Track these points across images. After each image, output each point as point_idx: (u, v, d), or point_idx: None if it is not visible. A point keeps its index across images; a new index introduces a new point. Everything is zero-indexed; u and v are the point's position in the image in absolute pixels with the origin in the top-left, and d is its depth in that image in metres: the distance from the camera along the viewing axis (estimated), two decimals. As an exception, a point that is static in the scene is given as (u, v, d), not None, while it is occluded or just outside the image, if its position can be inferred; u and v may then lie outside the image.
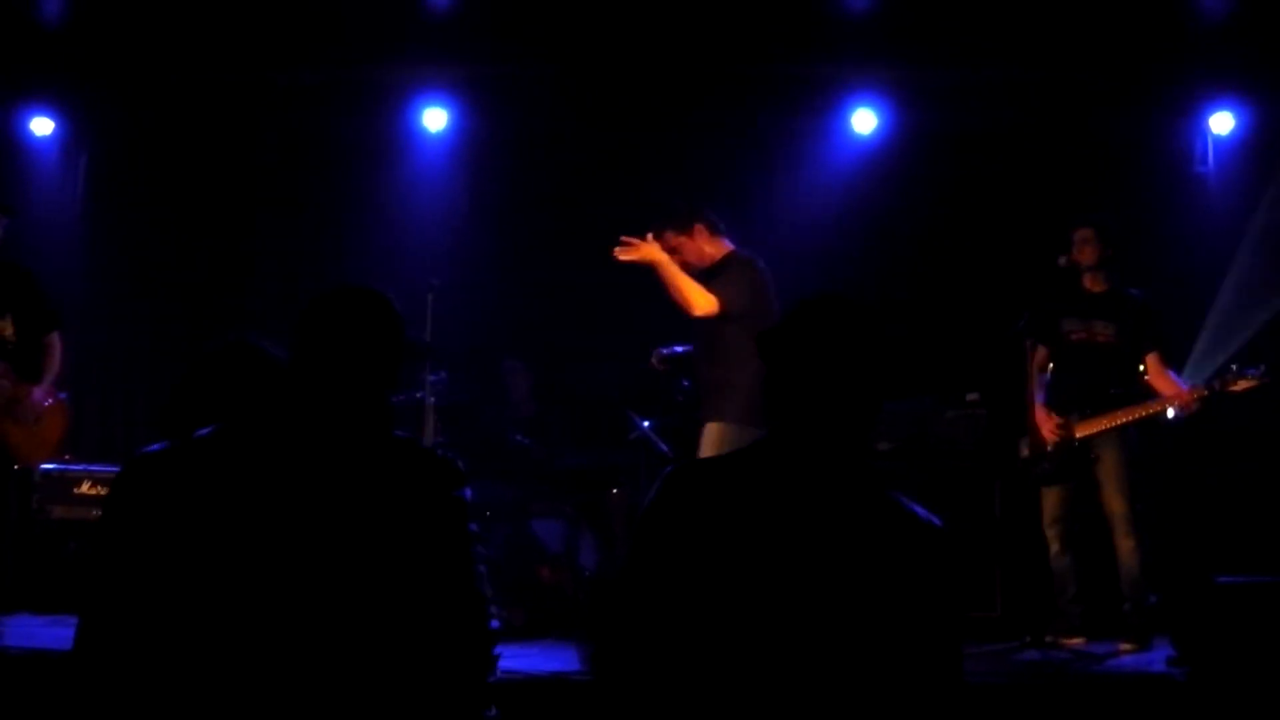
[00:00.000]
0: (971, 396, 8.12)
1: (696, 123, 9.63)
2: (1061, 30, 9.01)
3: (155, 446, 3.01)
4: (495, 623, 3.04)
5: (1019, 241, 8.84)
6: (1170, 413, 7.18)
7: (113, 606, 2.87)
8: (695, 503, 2.68)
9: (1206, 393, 7.07)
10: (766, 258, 6.81)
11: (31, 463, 7.56)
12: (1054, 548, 7.35)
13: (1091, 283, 7.41)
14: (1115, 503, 7.18)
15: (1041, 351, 7.50)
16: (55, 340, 7.48)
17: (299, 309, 3.04)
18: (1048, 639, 7.17)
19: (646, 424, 8.18)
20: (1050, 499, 7.37)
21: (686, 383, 7.51)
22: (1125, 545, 7.15)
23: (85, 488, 8.11)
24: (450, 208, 9.88)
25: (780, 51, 9.23)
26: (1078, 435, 7.25)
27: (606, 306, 9.02)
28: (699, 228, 6.82)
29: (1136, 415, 7.19)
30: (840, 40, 9.21)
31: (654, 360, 7.24)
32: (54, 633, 6.42)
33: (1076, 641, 7.19)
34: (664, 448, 8.07)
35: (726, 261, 6.80)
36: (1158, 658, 6.68)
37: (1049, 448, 7.31)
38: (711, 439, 6.64)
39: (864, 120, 9.67)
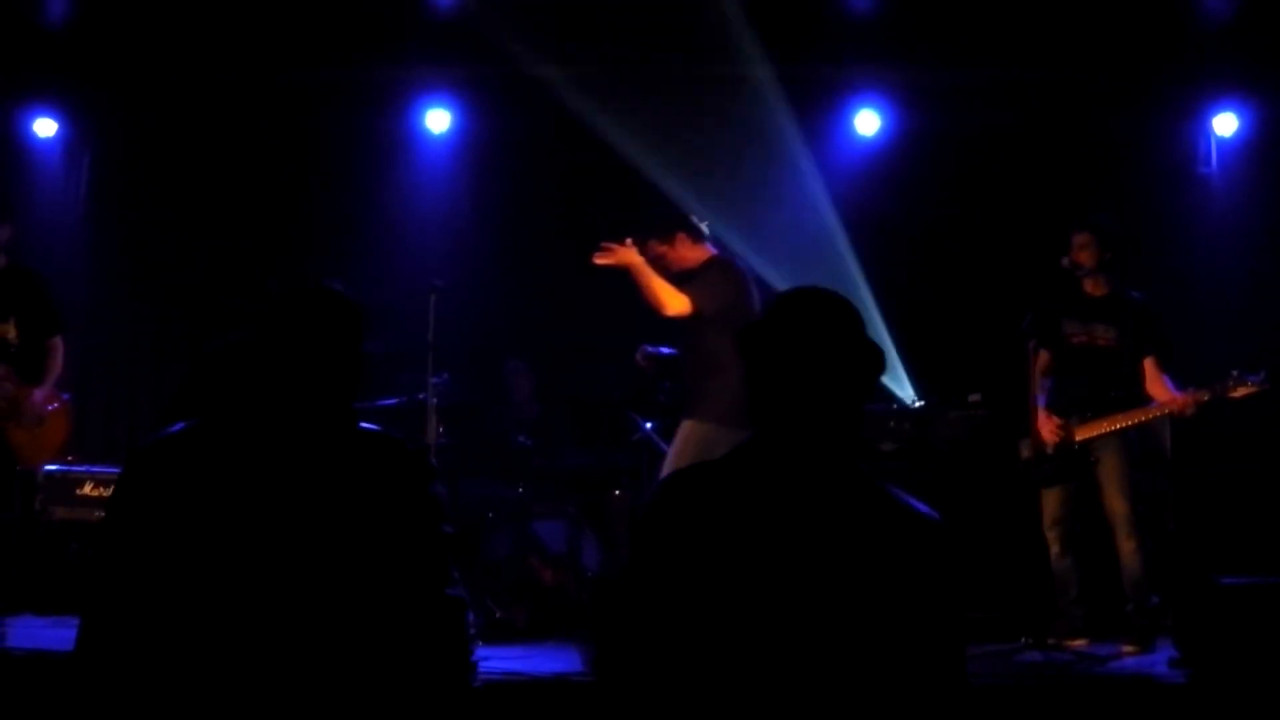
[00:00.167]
0: (973, 398, 8.11)
1: (699, 124, 9.62)
2: (1065, 31, 9.00)
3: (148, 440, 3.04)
4: (472, 630, 3.04)
5: (1022, 243, 8.83)
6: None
7: (110, 605, 2.88)
8: (693, 508, 2.66)
9: (1204, 398, 7.08)
10: (770, 259, 6.84)
11: (34, 464, 7.58)
12: (1055, 549, 7.35)
13: (1092, 286, 7.42)
14: (1116, 504, 7.18)
15: (1044, 354, 7.50)
16: (58, 344, 7.53)
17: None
18: (1050, 640, 7.17)
19: (649, 425, 8.18)
20: (1051, 501, 7.37)
21: (668, 383, 7.54)
22: (1127, 547, 7.15)
23: (88, 489, 8.11)
24: (453, 209, 9.88)
25: (783, 53, 9.22)
26: (1078, 438, 7.25)
27: (609, 308, 9.01)
28: (681, 237, 7.00)
29: (1136, 419, 7.21)
30: (843, 41, 9.21)
31: (639, 357, 7.30)
32: (56, 634, 6.43)
33: (1079, 643, 7.19)
34: (666, 449, 8.06)
35: (705, 265, 6.95)
36: (1160, 659, 6.68)
37: (1049, 450, 7.31)
38: (686, 436, 6.80)
39: (867, 121, 9.67)
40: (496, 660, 6.59)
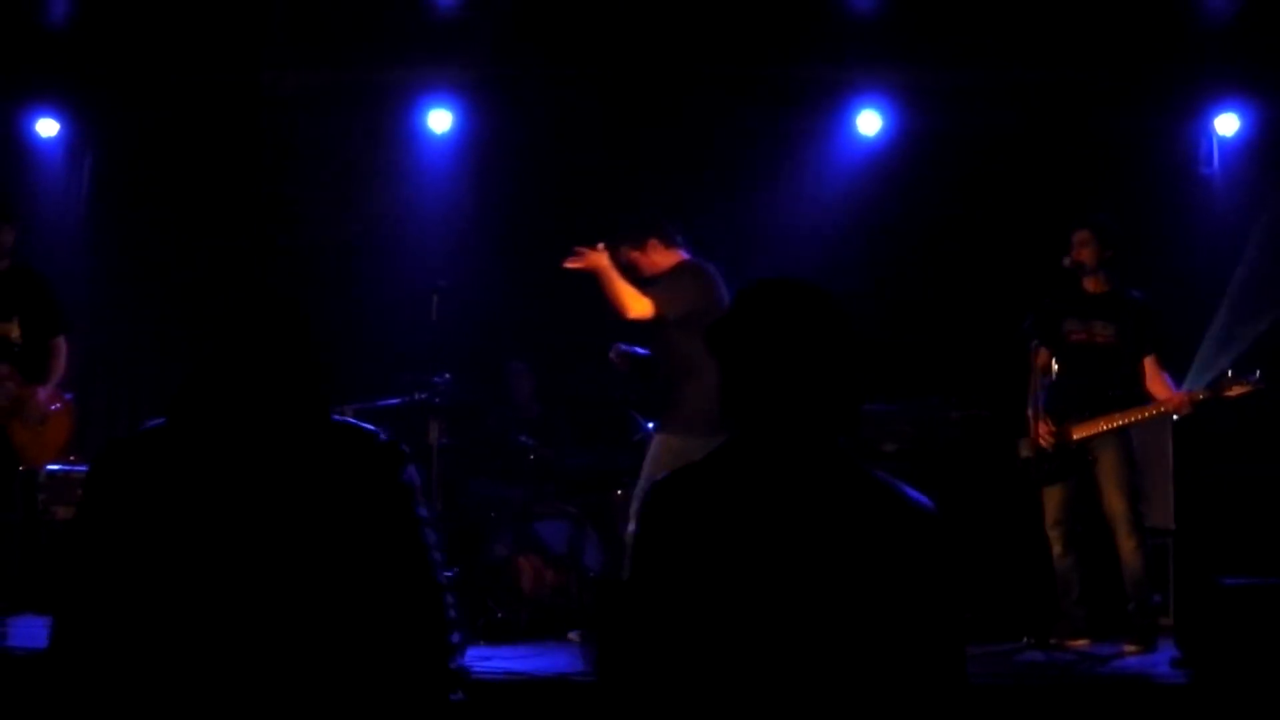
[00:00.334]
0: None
1: (701, 125, 9.63)
2: (1066, 31, 9.00)
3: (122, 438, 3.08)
4: (453, 612, 3.06)
5: (1024, 243, 8.82)
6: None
7: (80, 604, 2.90)
8: (683, 513, 2.64)
9: (1200, 397, 7.10)
10: (772, 259, 6.86)
11: (37, 464, 7.59)
12: (1056, 549, 7.35)
13: (1092, 284, 7.42)
14: (1116, 504, 7.19)
15: (1044, 353, 7.50)
16: (61, 344, 7.56)
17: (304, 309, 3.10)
18: (1052, 640, 7.16)
19: (650, 425, 8.18)
20: (1052, 501, 7.37)
21: (642, 382, 7.56)
22: (1127, 546, 7.16)
23: (90, 489, 8.09)
24: (455, 209, 9.88)
25: (785, 54, 9.23)
26: (1075, 436, 7.26)
27: (611, 309, 9.01)
28: (653, 242, 7.05)
29: (1134, 418, 7.22)
30: (845, 42, 9.21)
31: (612, 355, 7.32)
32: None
33: (1081, 643, 7.19)
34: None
35: (673, 269, 6.98)
36: (1162, 659, 6.68)
37: (1047, 449, 7.32)
38: (657, 450, 6.86)
39: (869, 122, 9.66)
40: (498, 660, 6.60)
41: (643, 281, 6.93)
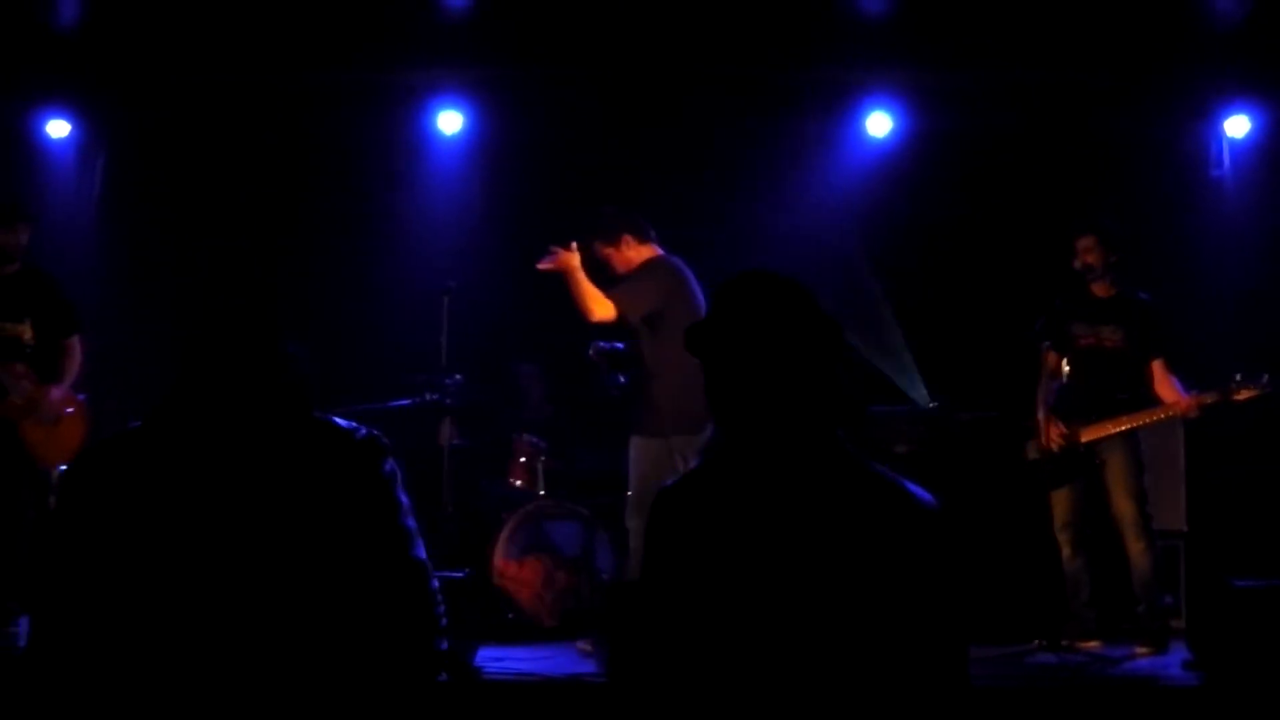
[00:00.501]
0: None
1: (711, 127, 9.63)
2: (1076, 33, 8.99)
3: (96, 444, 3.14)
4: (435, 582, 3.11)
5: (1033, 244, 8.82)
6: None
7: (60, 603, 2.93)
8: (691, 518, 2.64)
9: (1209, 401, 7.10)
10: (781, 261, 6.83)
11: (50, 464, 7.59)
12: (1065, 551, 7.36)
13: (1099, 288, 7.43)
14: (1124, 506, 7.20)
15: (1053, 356, 7.51)
16: (74, 344, 7.59)
17: (315, 311, 3.19)
18: (1063, 642, 7.17)
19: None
20: (1060, 503, 7.38)
21: (623, 379, 7.58)
22: (1136, 548, 7.17)
23: (103, 489, 8.10)
24: (465, 210, 9.88)
25: (796, 56, 9.23)
26: (1084, 439, 7.27)
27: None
28: (626, 239, 7.08)
29: (1142, 421, 7.24)
30: (855, 44, 9.20)
31: (591, 352, 7.36)
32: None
33: (1091, 645, 7.20)
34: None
35: (639, 267, 7.00)
36: (1174, 661, 6.69)
37: (1055, 451, 7.33)
38: (635, 456, 7.03)
39: (879, 123, 9.66)
40: (510, 661, 6.61)
41: (614, 278, 7.01)
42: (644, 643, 2.67)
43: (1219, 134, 9.55)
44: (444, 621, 3.11)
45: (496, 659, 6.62)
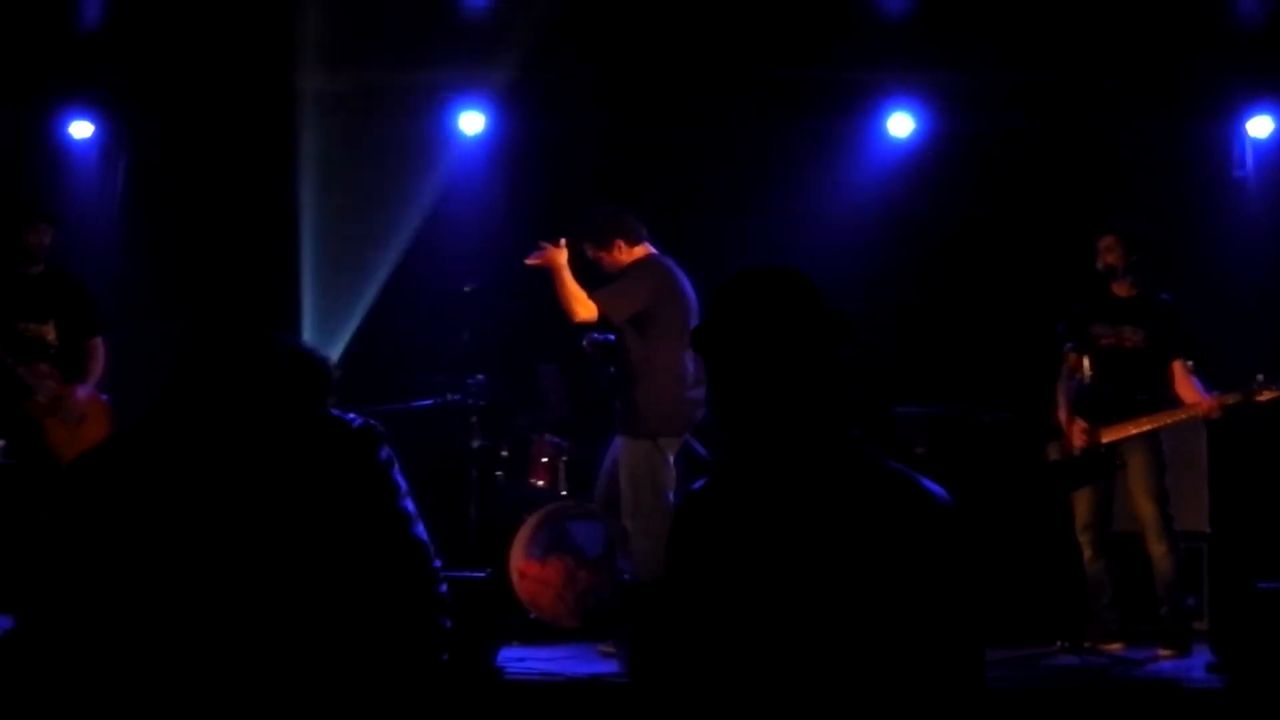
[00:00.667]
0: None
1: (733, 127, 9.62)
2: (1097, 34, 8.97)
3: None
4: (438, 562, 3.13)
5: (1055, 246, 8.81)
6: None
7: (53, 603, 2.96)
8: (712, 523, 2.64)
9: (1230, 401, 7.08)
10: (803, 262, 6.82)
11: (72, 464, 7.62)
12: (1087, 553, 7.35)
13: (1120, 288, 7.43)
14: (1145, 509, 7.19)
15: (1074, 357, 7.49)
16: (98, 345, 7.63)
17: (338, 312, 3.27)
18: (1085, 644, 7.16)
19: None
20: (1081, 505, 7.38)
21: (613, 369, 7.59)
22: (1158, 550, 7.16)
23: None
24: (487, 211, 9.87)
25: (817, 56, 9.22)
26: (1104, 440, 7.26)
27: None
28: (618, 242, 7.09)
29: (1163, 422, 7.23)
30: (877, 44, 9.19)
31: (584, 343, 7.39)
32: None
33: (1114, 647, 7.19)
34: (701, 450, 8.08)
35: (628, 268, 7.01)
36: (1197, 664, 6.67)
37: (1075, 452, 7.32)
38: (627, 459, 7.01)
39: (900, 124, 9.64)
40: (532, 661, 6.62)
41: (604, 279, 7.04)
42: (668, 645, 2.67)
43: (1241, 135, 9.51)
44: (447, 600, 3.14)
45: (518, 659, 6.64)
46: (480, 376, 8.13)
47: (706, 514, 2.67)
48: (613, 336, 7.30)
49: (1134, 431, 7.21)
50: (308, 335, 8.38)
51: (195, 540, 2.91)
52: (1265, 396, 7.02)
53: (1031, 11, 8.97)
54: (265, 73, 9.59)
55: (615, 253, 7.11)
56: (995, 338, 9.12)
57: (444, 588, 3.20)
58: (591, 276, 7.24)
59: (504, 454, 8.74)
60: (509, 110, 9.88)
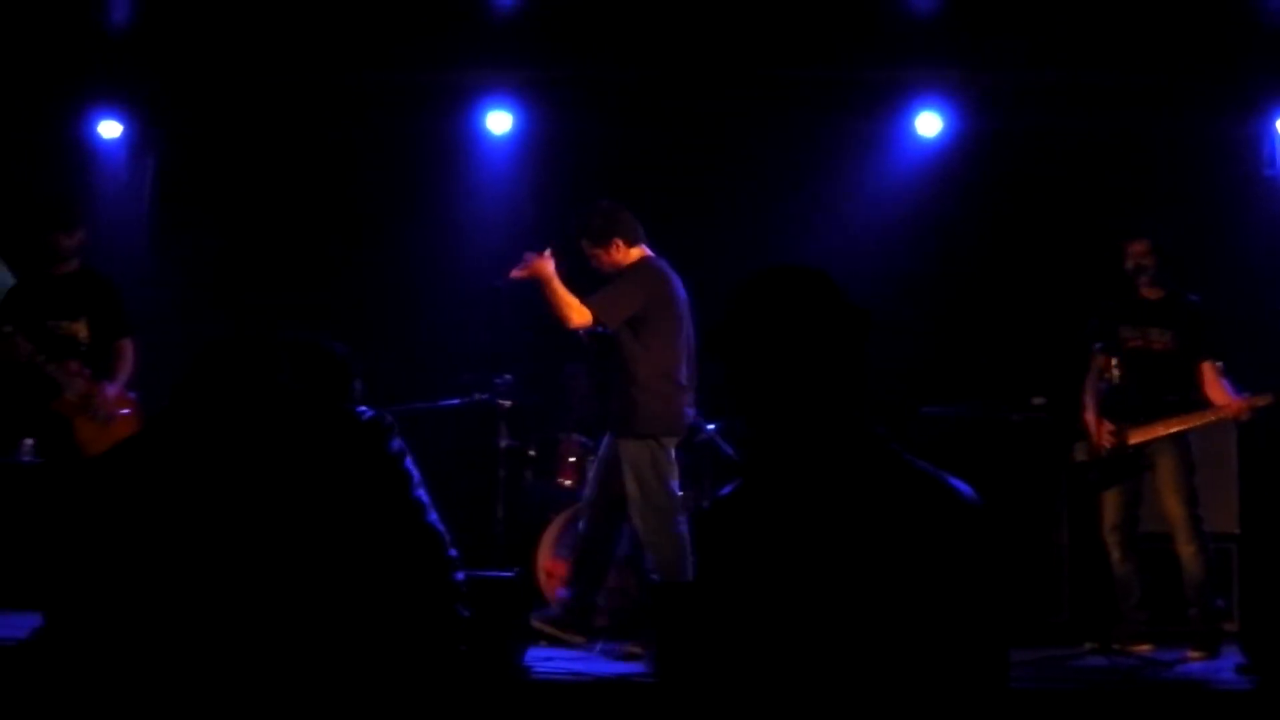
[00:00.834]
0: (1037, 400, 8.10)
1: (760, 127, 9.62)
2: (1126, 33, 8.94)
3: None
4: (453, 550, 3.15)
5: (1084, 245, 8.79)
6: None
7: (73, 604, 2.99)
8: (743, 526, 2.62)
9: (1260, 403, 7.05)
10: (831, 262, 6.81)
11: (100, 462, 7.66)
12: (1115, 555, 7.33)
13: (1149, 290, 7.40)
14: (1174, 509, 7.17)
15: (1101, 357, 7.48)
16: (127, 345, 7.67)
17: (362, 310, 3.33)
18: (1114, 645, 7.13)
19: (711, 427, 8.18)
20: (1110, 506, 7.35)
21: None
22: (1187, 551, 7.14)
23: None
24: (514, 211, 9.89)
25: (844, 55, 9.21)
26: (1132, 441, 7.24)
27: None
28: (617, 242, 7.05)
29: (1192, 423, 7.20)
30: (904, 43, 9.17)
31: (583, 335, 7.37)
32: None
33: (1143, 648, 7.16)
34: (729, 451, 8.08)
35: (623, 270, 6.99)
36: (1227, 665, 6.64)
37: (1103, 453, 7.30)
38: (633, 460, 6.97)
39: (928, 123, 9.62)
40: (559, 661, 6.62)
41: (600, 279, 7.00)
42: (700, 645, 2.67)
43: (1272, 133, 9.46)
44: (463, 588, 3.15)
45: (545, 659, 6.63)
46: (508, 376, 8.13)
47: (738, 519, 2.65)
48: (612, 330, 7.30)
49: (1162, 433, 7.19)
50: (336, 334, 8.40)
51: (211, 536, 2.94)
52: None
53: (1059, 10, 8.94)
54: (293, 73, 9.63)
55: (612, 251, 7.06)
56: (1026, 337, 9.10)
57: (460, 575, 3.21)
58: (587, 274, 7.20)
59: (531, 453, 8.75)
60: (537, 110, 9.88)
